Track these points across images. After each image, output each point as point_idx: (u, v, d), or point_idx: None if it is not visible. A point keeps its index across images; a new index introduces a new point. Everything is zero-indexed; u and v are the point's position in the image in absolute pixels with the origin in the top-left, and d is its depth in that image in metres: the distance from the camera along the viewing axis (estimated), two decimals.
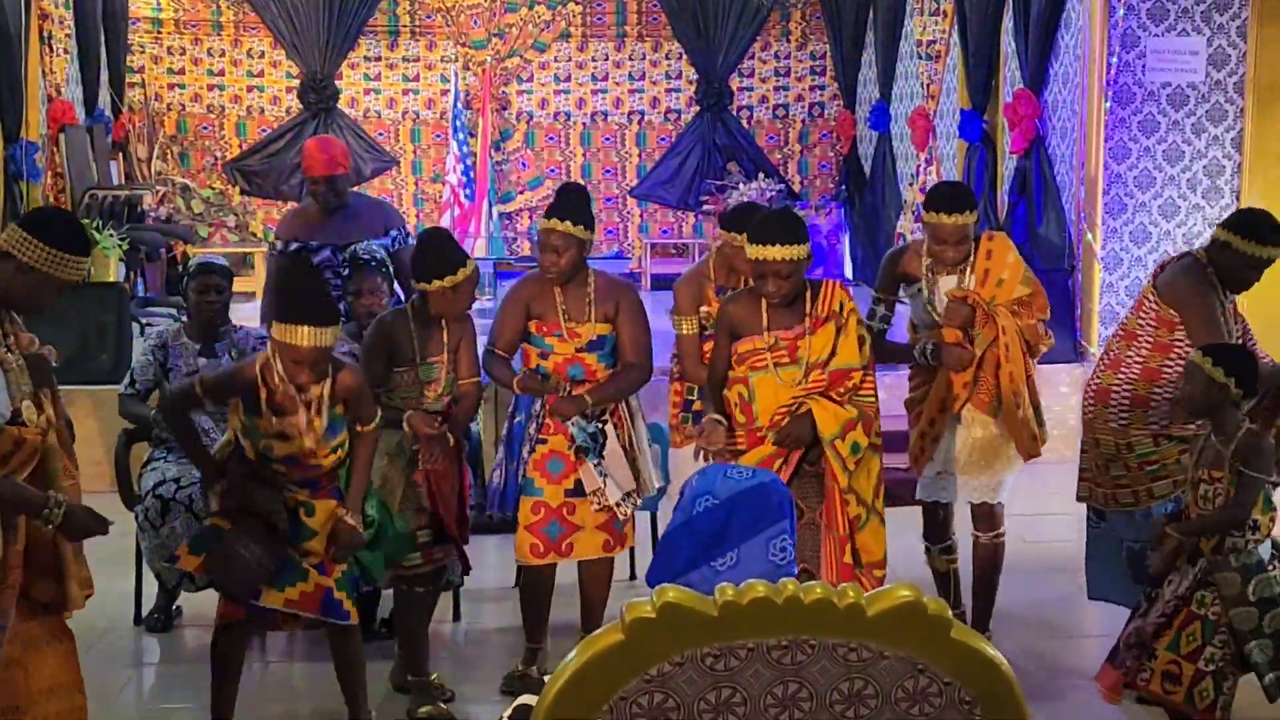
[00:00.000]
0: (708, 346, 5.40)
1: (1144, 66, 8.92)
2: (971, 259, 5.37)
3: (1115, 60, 8.91)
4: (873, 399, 4.92)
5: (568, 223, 5.10)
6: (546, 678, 2.75)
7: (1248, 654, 4.40)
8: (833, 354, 4.87)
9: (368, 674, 4.87)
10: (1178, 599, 4.52)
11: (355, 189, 7.88)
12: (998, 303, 5.32)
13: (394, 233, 6.62)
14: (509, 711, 2.73)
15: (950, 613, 2.26)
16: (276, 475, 4.57)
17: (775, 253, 4.75)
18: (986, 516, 5.57)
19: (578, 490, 5.17)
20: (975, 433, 5.43)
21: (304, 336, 4.38)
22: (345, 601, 4.64)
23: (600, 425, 5.17)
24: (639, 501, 5.32)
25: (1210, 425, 4.52)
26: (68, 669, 4.07)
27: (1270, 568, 4.45)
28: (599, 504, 5.16)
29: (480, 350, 5.26)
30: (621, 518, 5.22)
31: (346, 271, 5.92)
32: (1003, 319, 5.29)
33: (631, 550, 6.56)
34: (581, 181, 14.02)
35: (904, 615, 2.22)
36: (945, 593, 5.69)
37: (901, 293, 5.54)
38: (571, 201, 5.18)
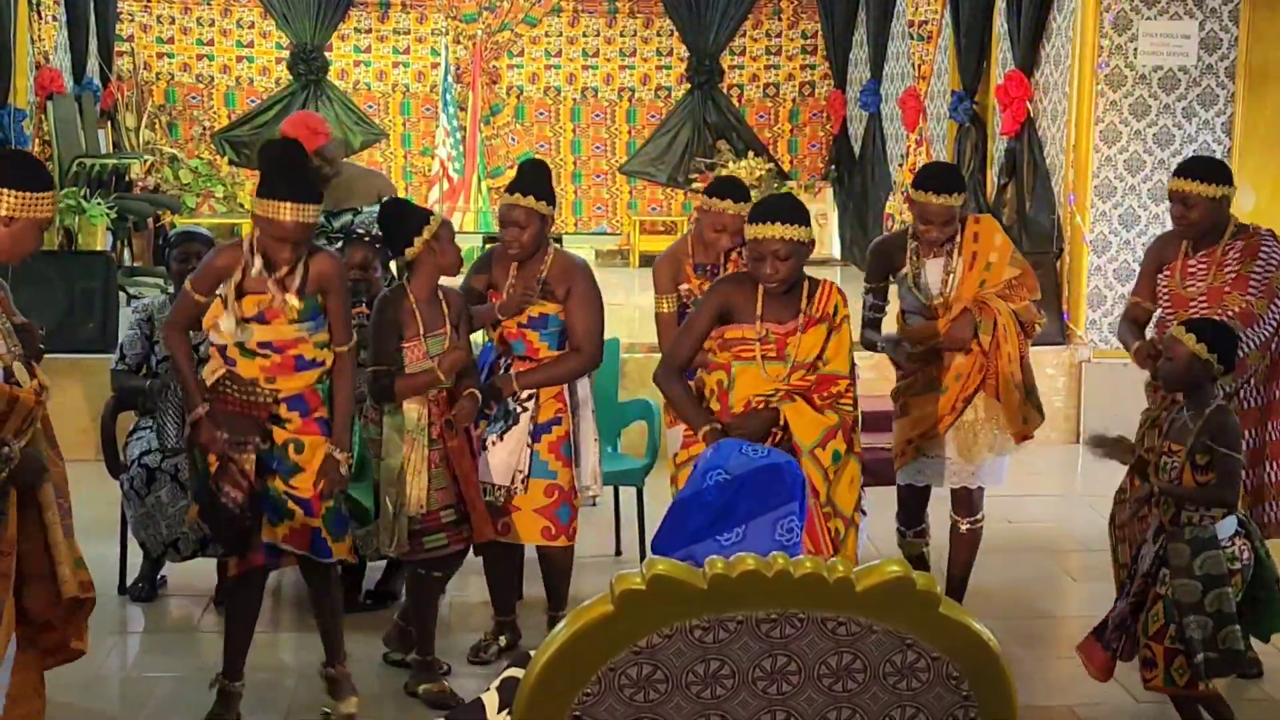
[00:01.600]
0: None
1: (1135, 49, 8.92)
2: (958, 241, 5.36)
3: (1107, 43, 8.92)
4: (852, 409, 4.75)
5: (530, 198, 5.07)
6: (531, 651, 2.75)
7: (1184, 628, 4.36)
8: (820, 355, 4.71)
9: (356, 647, 4.87)
10: (1144, 577, 4.54)
11: (346, 159, 7.87)
12: (987, 286, 5.31)
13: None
14: (496, 683, 2.72)
15: (939, 588, 2.26)
16: (261, 392, 4.54)
17: (776, 230, 4.57)
18: (965, 502, 5.55)
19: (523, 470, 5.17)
20: (969, 417, 5.42)
21: (287, 212, 4.38)
22: (329, 540, 4.65)
23: (519, 408, 5.13)
24: (500, 500, 5.14)
25: (1186, 400, 4.52)
26: (30, 677, 4.05)
27: (1229, 545, 4.43)
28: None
29: None
30: (488, 499, 5.10)
31: (339, 240, 5.92)
32: (995, 304, 5.29)
33: (616, 525, 6.58)
34: (571, 159, 14.12)
35: (893, 590, 2.23)
36: None
37: (896, 280, 5.52)
38: (533, 176, 5.16)
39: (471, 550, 5.21)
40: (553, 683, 2.21)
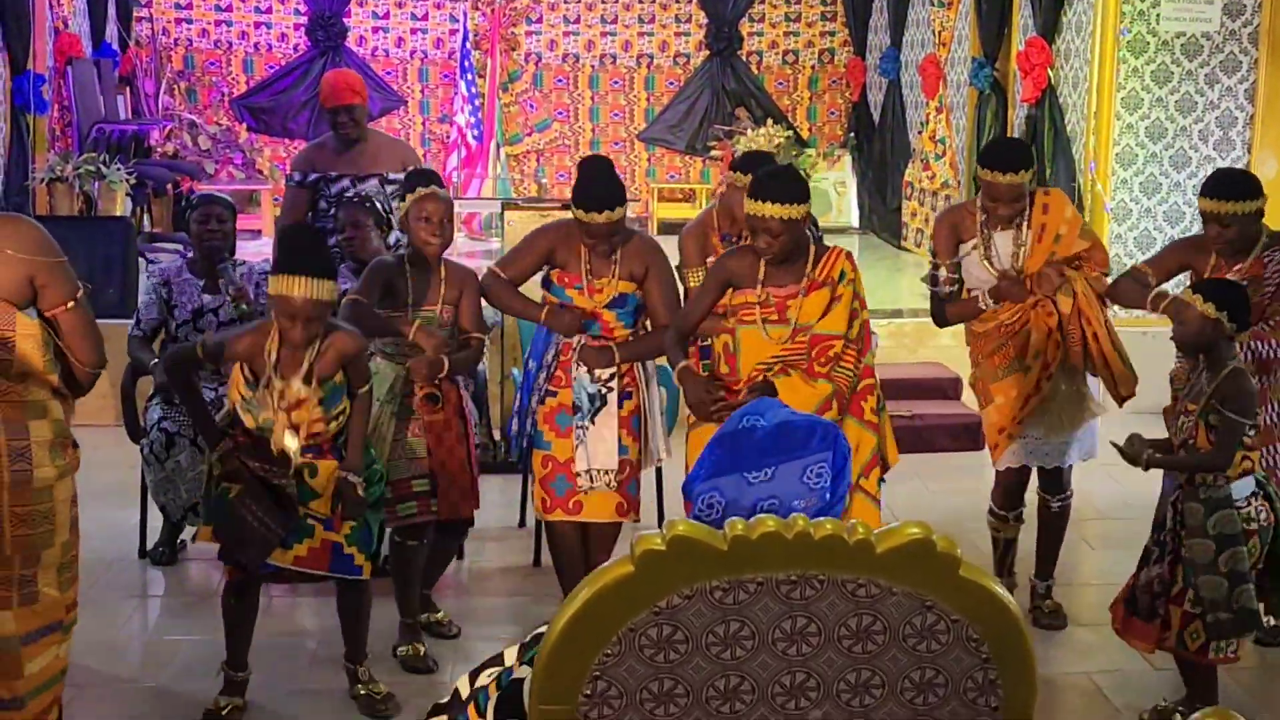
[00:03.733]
0: None
1: (1158, 15, 8.85)
2: (1027, 214, 5.30)
3: (1129, 9, 8.85)
4: (850, 371, 4.77)
5: (620, 209, 4.96)
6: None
7: (1198, 587, 4.36)
8: (823, 319, 4.76)
9: (377, 608, 4.87)
10: (1170, 536, 4.52)
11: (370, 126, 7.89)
12: (1057, 258, 5.25)
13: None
14: (526, 639, 2.71)
15: (958, 550, 2.26)
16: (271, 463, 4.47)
17: (770, 209, 4.64)
18: (1055, 480, 5.51)
19: None
20: (1056, 393, 5.34)
21: (299, 287, 4.29)
22: (356, 556, 4.59)
23: (605, 390, 5.05)
24: (611, 482, 5.08)
25: (1205, 361, 4.50)
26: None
27: (1245, 505, 4.42)
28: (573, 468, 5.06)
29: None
30: (582, 488, 5.06)
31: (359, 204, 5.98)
32: (1078, 282, 5.22)
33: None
34: (590, 125, 14.08)
35: (913, 552, 2.23)
36: (1003, 561, 5.64)
37: (959, 254, 5.42)
38: (606, 182, 5.00)
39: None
40: (573, 643, 2.21)
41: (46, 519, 3.78)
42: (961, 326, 5.57)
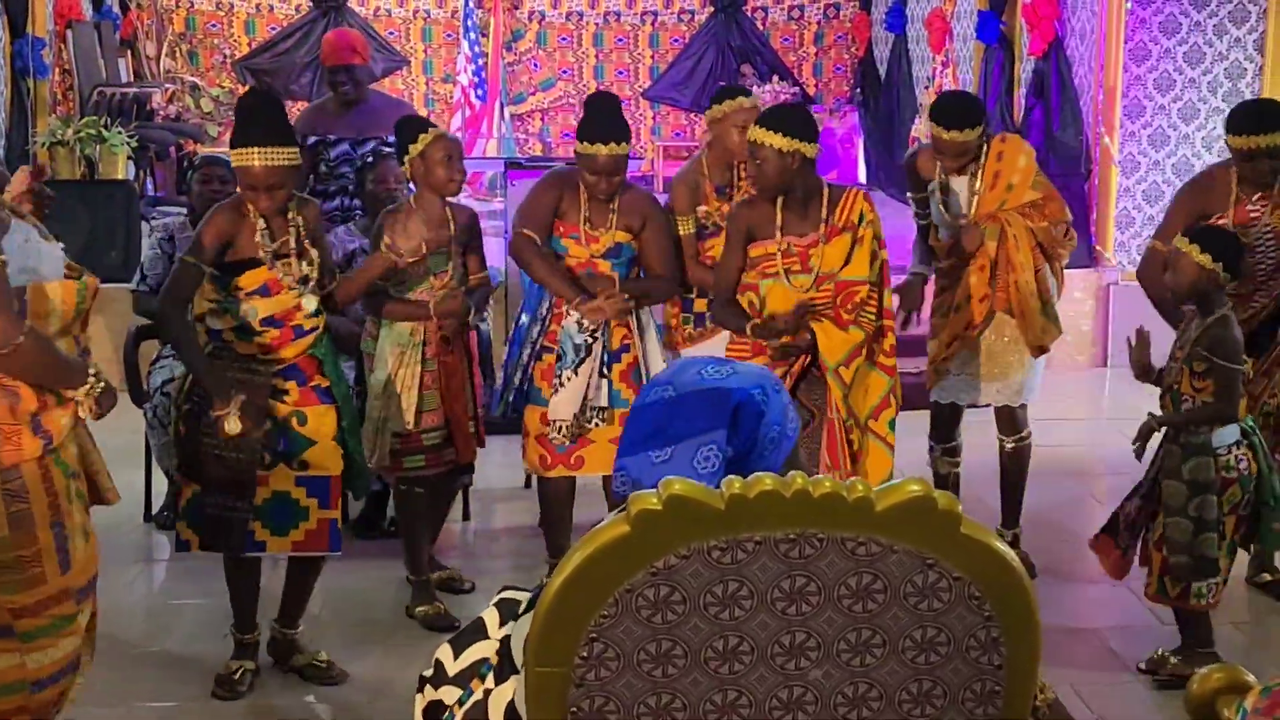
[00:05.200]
0: (705, 246, 5.30)
1: None
2: (982, 161, 5.32)
3: None
4: (875, 318, 4.77)
5: (615, 144, 4.95)
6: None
7: (1166, 527, 4.43)
8: (845, 265, 4.76)
9: (378, 573, 4.86)
10: (1150, 481, 4.59)
11: (372, 87, 7.85)
12: (1007, 206, 5.27)
13: None
14: (495, 600, 2.69)
15: (959, 507, 2.22)
16: (259, 370, 4.41)
17: (763, 136, 4.65)
18: (1009, 420, 5.56)
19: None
20: (991, 336, 5.39)
21: (256, 158, 4.28)
22: (339, 525, 4.59)
23: (590, 340, 5.01)
24: (574, 433, 5.04)
25: (1197, 309, 4.55)
26: None
27: (1225, 453, 4.46)
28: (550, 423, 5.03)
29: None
30: (551, 439, 5.03)
31: (365, 163, 5.95)
32: (1013, 225, 5.24)
33: None
34: (594, 84, 13.99)
35: (913, 510, 2.19)
36: None
37: (931, 188, 5.49)
38: (610, 117, 5.03)
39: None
40: (569, 605, 2.18)
41: None
42: None
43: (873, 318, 4.75)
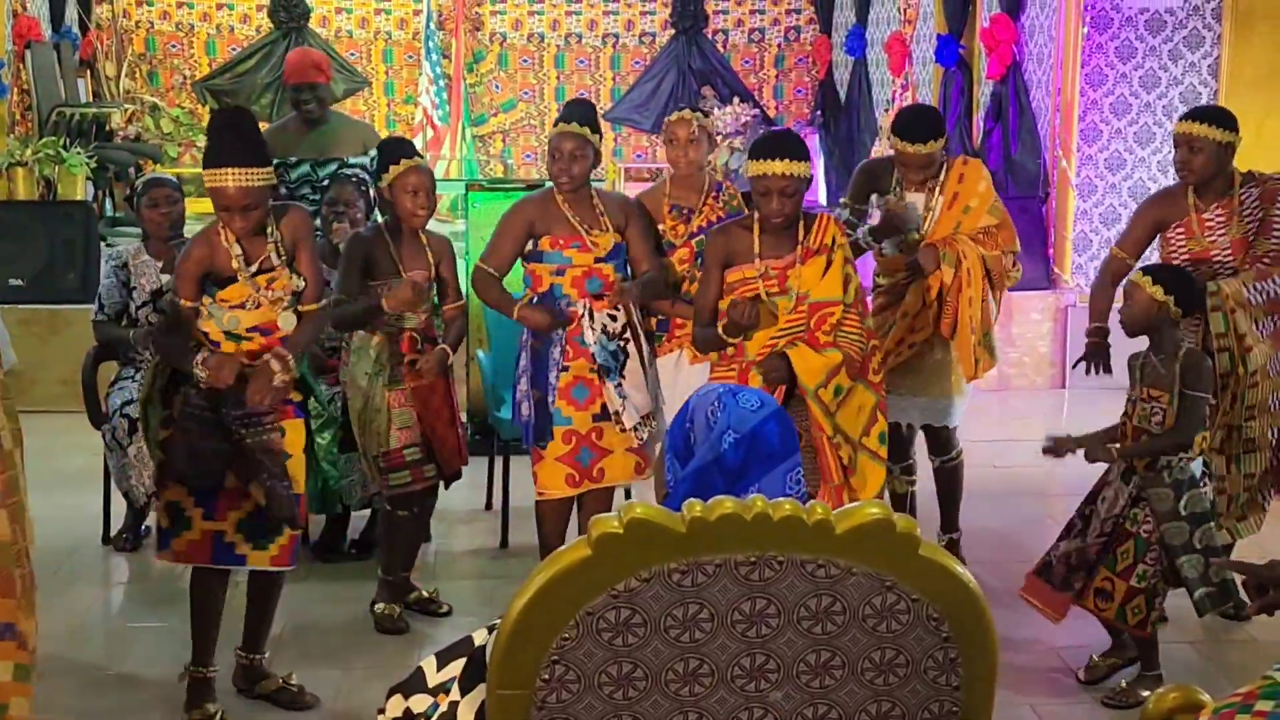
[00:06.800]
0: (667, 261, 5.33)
1: None
2: (942, 179, 5.36)
3: None
4: (857, 336, 4.77)
5: (586, 128, 4.98)
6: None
7: (1180, 568, 4.47)
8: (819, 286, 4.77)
9: (341, 593, 4.84)
10: (1114, 518, 4.61)
11: (333, 108, 7.85)
12: (962, 230, 5.33)
13: (373, 153, 6.56)
14: (434, 652, 2.71)
15: (918, 530, 2.25)
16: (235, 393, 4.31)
17: (778, 167, 4.62)
18: (940, 441, 5.64)
19: (604, 414, 5.04)
20: (936, 355, 5.44)
21: (230, 178, 4.18)
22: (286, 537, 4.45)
23: (622, 343, 5.03)
24: (654, 426, 5.12)
25: (1150, 344, 4.60)
26: None
27: (1201, 485, 4.54)
28: (621, 427, 5.03)
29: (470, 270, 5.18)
30: (637, 441, 5.08)
31: (325, 185, 5.93)
32: (964, 245, 5.29)
33: None
34: (555, 106, 14.01)
35: (872, 532, 2.22)
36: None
37: (872, 203, 5.51)
38: (582, 108, 5.08)
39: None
40: (530, 627, 2.19)
41: None
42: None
43: (854, 338, 4.76)
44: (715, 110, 13.32)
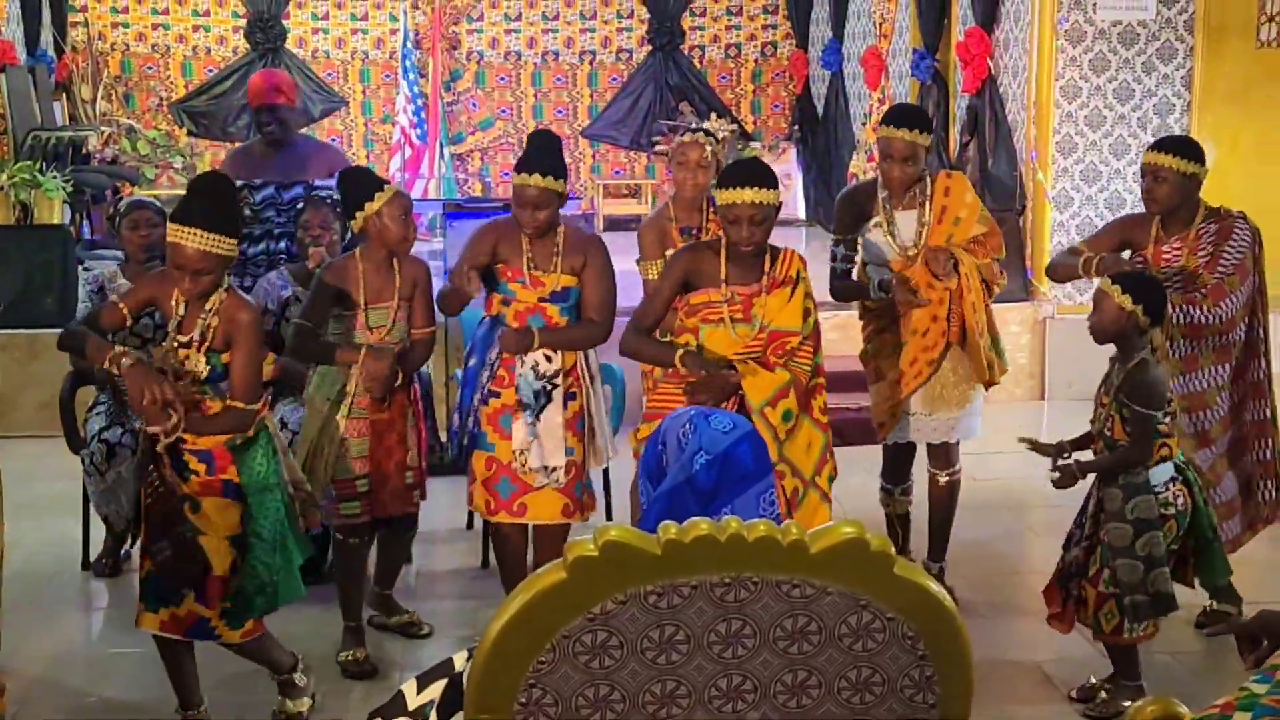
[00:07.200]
0: None
1: (1094, 4, 8.91)
2: (929, 194, 5.38)
3: None
4: (808, 366, 4.77)
5: (549, 178, 4.93)
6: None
7: (1115, 570, 4.49)
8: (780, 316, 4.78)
9: (316, 615, 4.80)
10: (1091, 520, 4.65)
11: (304, 131, 7.83)
12: (955, 241, 5.35)
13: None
14: (415, 676, 2.71)
15: (893, 549, 2.25)
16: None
17: (747, 195, 4.62)
18: (943, 455, 5.61)
19: None
20: (946, 369, 5.43)
21: (193, 239, 4.12)
22: (220, 627, 4.34)
23: (549, 386, 5.01)
24: (561, 480, 5.04)
25: (1118, 351, 4.63)
26: None
27: (1163, 490, 4.53)
28: (520, 465, 5.00)
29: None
30: (534, 485, 5.02)
31: (297, 209, 5.90)
32: (964, 264, 5.31)
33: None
34: (533, 123, 14.03)
35: (847, 552, 2.22)
36: (897, 535, 5.71)
37: (862, 231, 5.52)
38: (545, 153, 4.99)
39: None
40: (507, 651, 2.20)
41: None
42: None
43: (804, 366, 4.77)
44: (693, 126, 13.35)
